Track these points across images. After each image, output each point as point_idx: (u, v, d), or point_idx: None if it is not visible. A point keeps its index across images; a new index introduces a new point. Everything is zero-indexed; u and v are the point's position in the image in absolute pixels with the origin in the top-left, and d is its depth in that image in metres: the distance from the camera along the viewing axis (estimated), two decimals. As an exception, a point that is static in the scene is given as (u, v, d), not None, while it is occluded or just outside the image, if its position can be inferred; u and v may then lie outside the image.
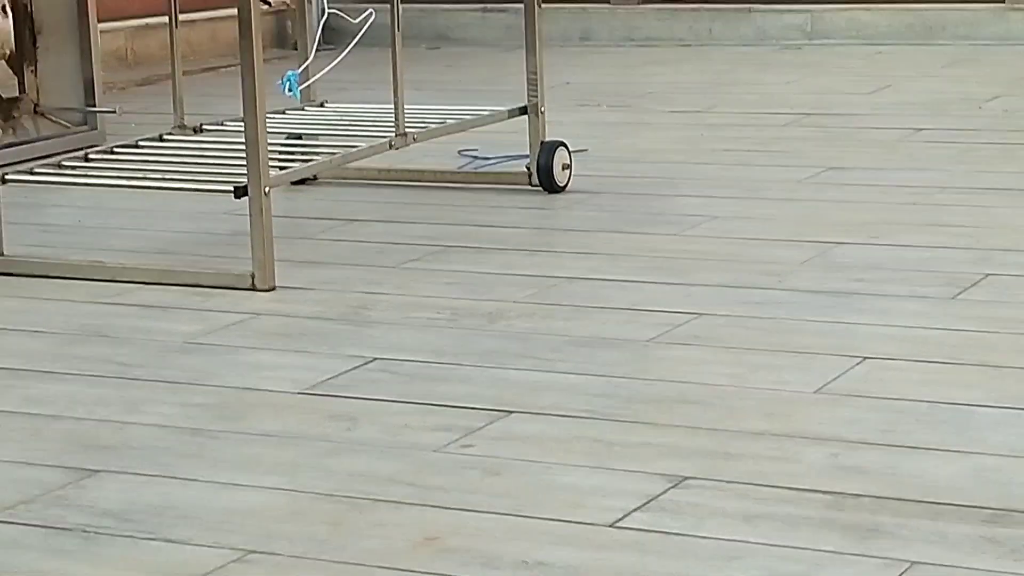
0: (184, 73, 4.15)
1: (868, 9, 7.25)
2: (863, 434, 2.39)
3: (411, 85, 6.07)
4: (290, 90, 3.63)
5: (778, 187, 4.24)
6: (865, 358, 2.75)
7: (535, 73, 4.23)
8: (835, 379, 2.65)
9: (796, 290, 3.22)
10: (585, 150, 4.71)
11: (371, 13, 3.97)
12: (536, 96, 4.24)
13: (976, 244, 3.52)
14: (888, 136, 4.91)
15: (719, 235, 3.73)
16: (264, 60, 3.34)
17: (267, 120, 3.35)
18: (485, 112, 4.25)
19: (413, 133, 3.92)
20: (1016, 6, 7.04)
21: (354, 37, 4.18)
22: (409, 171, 4.48)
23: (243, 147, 3.33)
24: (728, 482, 2.23)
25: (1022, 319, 2.96)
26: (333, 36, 7.21)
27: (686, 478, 2.25)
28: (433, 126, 4.05)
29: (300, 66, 4.00)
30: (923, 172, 4.34)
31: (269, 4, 7.68)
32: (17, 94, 5.10)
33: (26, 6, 5.09)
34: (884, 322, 2.97)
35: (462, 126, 4.17)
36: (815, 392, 2.59)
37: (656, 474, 2.26)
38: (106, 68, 6.53)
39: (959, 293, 3.14)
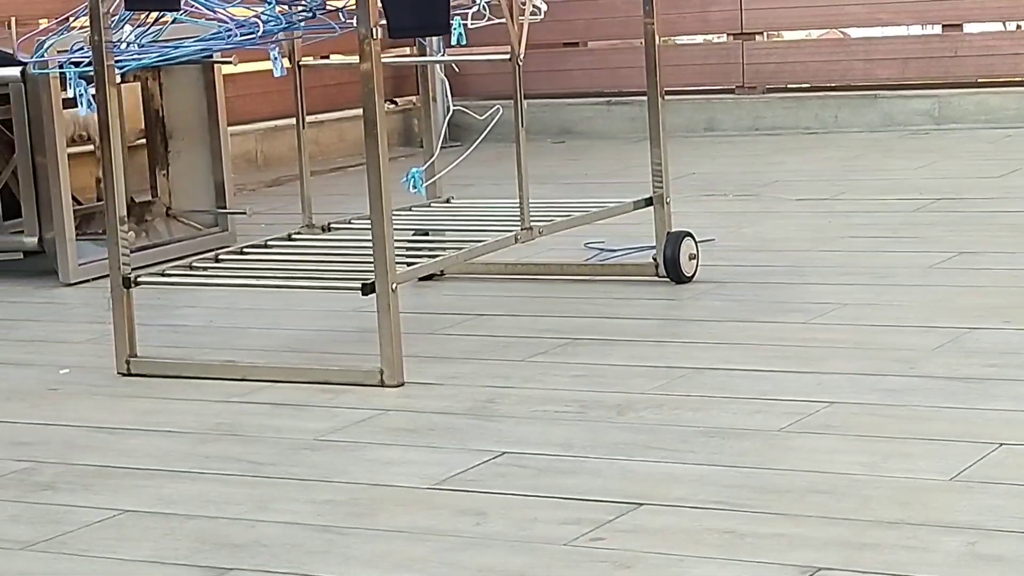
0: (312, 173, 4.20)
1: (996, 93, 7.19)
2: (1000, 522, 2.34)
3: (536, 179, 6.11)
4: (414, 187, 3.66)
5: (908, 273, 4.19)
6: (1001, 444, 2.70)
7: (660, 164, 4.24)
8: (970, 466, 2.60)
9: (929, 376, 3.18)
10: (712, 240, 4.69)
11: (497, 109, 4.00)
12: (661, 187, 4.24)
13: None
14: (1020, 219, 4.85)
15: (849, 322, 3.69)
16: (390, 158, 3.37)
17: (393, 217, 3.38)
18: (610, 204, 4.25)
19: (538, 227, 3.93)
20: None
21: (480, 133, 4.21)
22: (536, 265, 4.49)
23: (370, 244, 3.35)
24: (864, 572, 2.19)
25: None
26: (460, 133, 7.28)
27: (820, 568, 2.21)
28: (558, 219, 4.05)
29: (425, 163, 4.03)
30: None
31: (395, 103, 7.76)
32: (150, 198, 5.19)
33: (158, 111, 5.19)
34: (1020, 407, 2.92)
35: (587, 219, 4.17)
36: (950, 480, 2.55)
37: (790, 565, 2.23)
38: (237, 170, 6.64)
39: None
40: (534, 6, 3.78)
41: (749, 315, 3.84)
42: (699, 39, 8.05)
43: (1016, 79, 7.28)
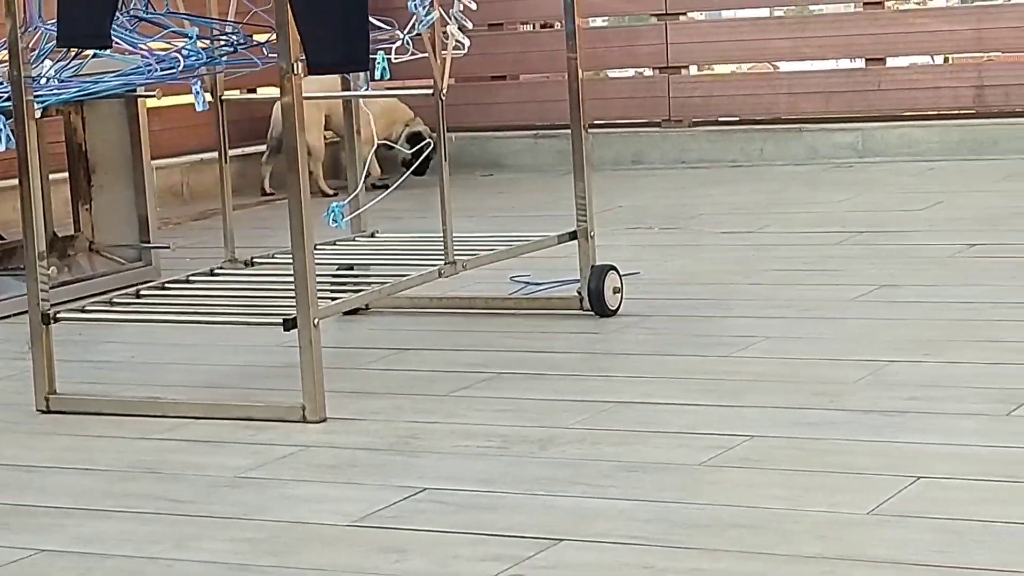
0: (239, 207, 4.19)
1: (919, 126, 7.26)
2: (918, 555, 2.35)
3: (464, 213, 6.13)
4: (335, 221, 3.65)
5: (830, 306, 4.22)
6: (919, 477, 2.72)
7: (584, 197, 4.25)
8: (889, 500, 2.62)
9: (849, 410, 3.19)
10: (637, 273, 4.71)
11: (429, 143, 3.99)
12: (585, 220, 4.25)
13: (1040, 360, 3.49)
14: (941, 252, 4.89)
15: (771, 356, 3.71)
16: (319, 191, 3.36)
17: (317, 251, 3.36)
18: (535, 238, 4.26)
19: (463, 261, 3.93)
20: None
21: (408, 167, 4.22)
22: (461, 299, 4.49)
23: (293, 279, 3.34)
24: (781, 608, 2.20)
25: (1079, 434, 2.93)
26: (388, 166, 7.28)
27: (738, 605, 2.22)
28: (483, 253, 4.06)
29: (348, 197, 4.03)
30: (976, 288, 4.32)
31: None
32: (73, 232, 5.15)
33: (81, 145, 5.16)
34: (938, 440, 2.94)
35: (512, 252, 4.17)
36: (869, 513, 2.56)
37: (707, 601, 2.23)
38: (163, 204, 6.61)
39: (1014, 409, 3.10)
40: (457, 41, 3.78)
41: (672, 348, 3.85)
42: (630, 72, 8.08)
43: (938, 112, 7.35)
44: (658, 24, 7.77)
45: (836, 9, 7.86)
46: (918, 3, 7.90)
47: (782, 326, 4.01)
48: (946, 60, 8.09)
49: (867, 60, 7.48)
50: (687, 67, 7.81)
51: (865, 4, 7.45)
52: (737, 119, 7.68)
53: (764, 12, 7.95)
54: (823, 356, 3.67)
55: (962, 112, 7.31)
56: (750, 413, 3.22)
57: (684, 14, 7.78)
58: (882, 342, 3.77)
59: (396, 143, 7.10)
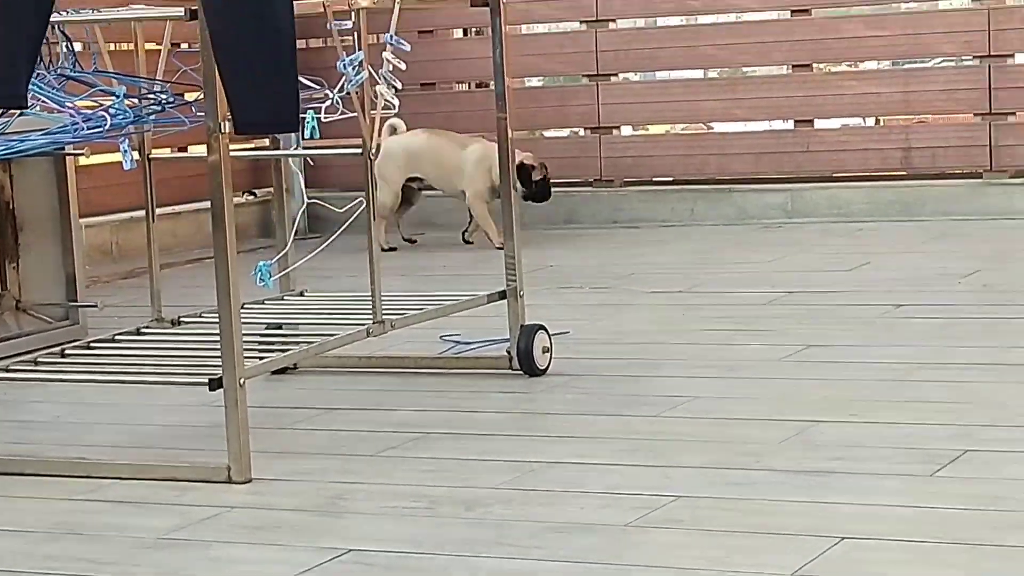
0: (169, 265, 4.18)
1: (848, 187, 7.32)
2: (841, 617, 2.36)
3: (396, 272, 6.13)
4: (261, 280, 3.64)
5: (759, 366, 4.23)
6: (843, 538, 2.72)
7: (513, 257, 4.25)
8: (813, 560, 2.62)
9: (775, 470, 3.20)
10: (567, 332, 4.72)
11: (360, 202, 4.00)
12: (515, 280, 4.26)
13: (955, 420, 3.51)
14: (869, 312, 4.92)
15: (699, 415, 3.72)
16: (249, 250, 3.36)
17: (246, 311, 3.35)
18: (464, 297, 4.26)
19: (391, 320, 3.93)
20: (993, 181, 7.10)
21: (341, 225, 4.22)
22: (390, 358, 4.48)
23: (219, 338, 3.33)
24: (703, 669, 2.19)
25: (1001, 496, 2.94)
26: (320, 225, 7.27)
27: (661, 666, 2.21)
28: (411, 313, 4.05)
29: (276, 256, 4.02)
30: (903, 348, 4.35)
31: (254, 195, 7.73)
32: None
33: (8, 203, 5.13)
34: (862, 501, 2.95)
35: (441, 312, 4.17)
36: (793, 574, 2.56)
37: (631, 663, 2.23)
38: (92, 262, 6.58)
39: (938, 470, 3.12)
40: (387, 100, 3.79)
41: (601, 408, 3.85)
42: (566, 132, 8.11)
43: (866, 174, 7.42)
44: (590, 85, 7.81)
45: (766, 71, 7.93)
46: (849, 65, 7.97)
47: (710, 386, 4.03)
48: (877, 122, 8.17)
49: (796, 122, 7.54)
50: (619, 127, 7.85)
51: (794, 67, 7.52)
52: (669, 179, 7.72)
53: (695, 74, 8.01)
54: (750, 416, 3.68)
55: (890, 174, 7.38)
56: (677, 473, 3.23)
57: (615, 75, 7.83)
58: (809, 402, 3.79)
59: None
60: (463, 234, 7.21)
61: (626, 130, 8.01)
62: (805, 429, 3.51)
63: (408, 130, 7.15)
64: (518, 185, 6.97)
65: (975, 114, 7.20)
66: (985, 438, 3.35)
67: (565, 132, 8.13)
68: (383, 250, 7.03)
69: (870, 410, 3.65)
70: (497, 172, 7.02)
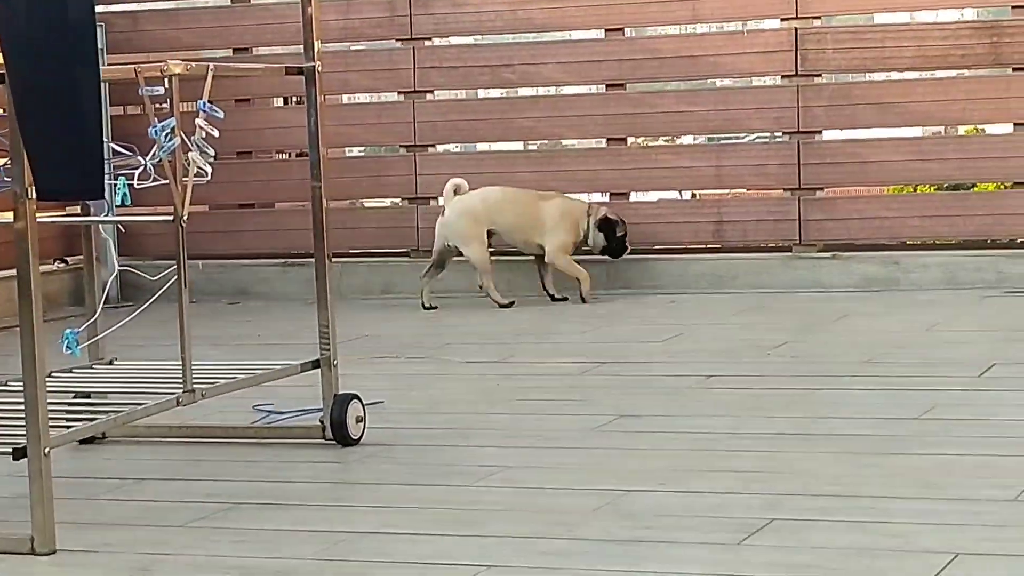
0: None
1: (662, 259, 7.41)
2: None
3: (209, 341, 6.06)
4: (68, 348, 3.58)
5: (571, 436, 4.26)
6: (652, 607, 2.74)
7: (327, 326, 4.24)
8: (622, 629, 2.63)
9: (587, 539, 3.22)
10: (381, 402, 4.70)
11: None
12: (328, 349, 4.24)
13: (763, 489, 3.55)
14: (680, 383, 4.98)
15: (511, 485, 3.72)
16: (61, 318, 3.31)
17: (53, 379, 3.29)
18: (277, 366, 4.23)
19: (202, 389, 3.88)
20: (802, 255, 7.24)
21: (154, 293, 4.16)
22: (201, 427, 4.43)
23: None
24: None
25: (807, 564, 2.98)
26: (134, 293, 7.19)
27: None
28: (223, 381, 4.01)
29: (84, 324, 3.96)
30: (713, 418, 4.40)
31: (66, 262, 7.62)
32: None
33: None
34: (671, 570, 2.97)
35: (253, 381, 4.14)
36: (602, 643, 2.58)
37: None
38: None
39: (745, 539, 3.16)
40: (199, 168, 3.76)
41: (414, 478, 3.84)
42: (387, 202, 8.11)
43: (680, 246, 7.52)
44: (407, 155, 7.83)
45: (583, 144, 8.01)
46: (666, 140, 8.10)
47: (523, 456, 4.04)
48: (694, 196, 8.30)
49: (611, 195, 7.63)
50: (436, 198, 7.87)
51: (610, 140, 7.61)
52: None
53: (514, 145, 8.07)
54: (562, 486, 3.69)
55: (703, 246, 7.49)
56: (488, 543, 3.23)
57: (433, 146, 7.86)
58: (620, 471, 3.82)
59: (587, 239, 7.10)
60: (548, 293, 7.17)
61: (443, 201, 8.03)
62: (617, 498, 3.53)
63: (471, 189, 7.12)
64: (600, 238, 7.05)
65: (785, 189, 7.34)
66: (792, 507, 3.39)
67: (385, 202, 8.13)
68: (501, 306, 7.00)
69: (680, 479, 3.69)
70: (583, 226, 7.10)
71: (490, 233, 7.10)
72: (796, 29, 7.22)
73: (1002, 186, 7.47)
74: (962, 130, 8.02)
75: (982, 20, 7.46)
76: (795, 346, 5.63)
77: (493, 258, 7.11)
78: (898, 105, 7.16)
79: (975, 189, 7.73)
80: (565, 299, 7.11)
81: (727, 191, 7.87)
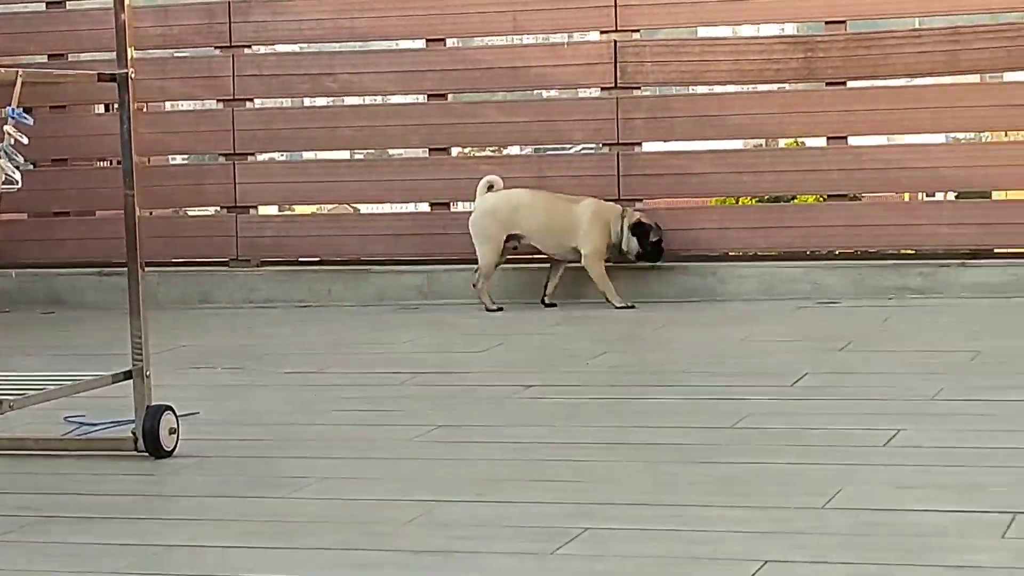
0: None
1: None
2: None
3: (22, 351, 5.96)
4: None
5: (388, 446, 4.25)
6: (463, 617, 2.74)
7: (140, 336, 4.18)
8: (433, 640, 2.63)
9: (401, 550, 3.21)
10: (196, 413, 4.65)
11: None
12: (141, 360, 4.18)
13: (577, 499, 3.57)
14: (499, 393, 4.99)
15: (326, 496, 3.70)
16: None
17: None
18: (88, 377, 4.16)
19: (9, 400, 3.81)
20: (621, 265, 7.28)
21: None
22: (10, 439, 4.34)
23: None
24: None
25: (617, 573, 3.00)
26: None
27: None
28: (32, 393, 3.94)
29: None
30: (529, 428, 4.42)
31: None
32: None
33: None
34: (484, 580, 2.98)
35: (63, 392, 4.07)
36: (412, 654, 2.57)
37: None
38: None
39: (558, 548, 3.17)
40: (7, 175, 3.69)
41: (227, 490, 3.80)
42: (211, 210, 8.02)
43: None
44: (227, 163, 7.76)
45: (404, 154, 8.01)
46: (493, 150, 8.12)
47: (339, 466, 4.02)
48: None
49: (433, 204, 7.63)
50: (256, 207, 7.82)
51: (432, 150, 7.61)
52: (306, 259, 7.72)
53: (340, 154, 8.05)
54: (378, 496, 3.68)
55: (526, 256, 7.51)
56: (302, 554, 3.20)
57: (253, 154, 7.80)
58: (437, 482, 3.81)
59: (621, 243, 6.93)
60: (543, 299, 7.07)
61: (267, 209, 7.98)
62: (432, 509, 3.52)
63: (505, 188, 7.02)
64: (634, 243, 6.89)
65: (606, 200, 7.38)
66: (604, 516, 3.42)
67: (210, 210, 8.05)
68: (489, 310, 6.89)
69: (495, 489, 3.70)
70: (616, 229, 6.94)
71: (518, 237, 7.01)
72: (616, 42, 7.29)
73: (819, 198, 7.60)
74: (783, 143, 8.16)
75: (797, 35, 7.58)
76: (613, 356, 5.67)
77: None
78: (716, 118, 7.26)
79: (795, 201, 7.85)
80: (554, 305, 7.03)
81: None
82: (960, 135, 8.42)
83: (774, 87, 7.35)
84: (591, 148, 7.89)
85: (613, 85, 7.31)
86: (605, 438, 4.25)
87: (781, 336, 6.07)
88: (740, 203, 8.96)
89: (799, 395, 4.76)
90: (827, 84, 7.15)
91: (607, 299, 6.92)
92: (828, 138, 7.22)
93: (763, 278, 7.08)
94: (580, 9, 7.33)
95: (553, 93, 7.98)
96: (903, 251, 7.09)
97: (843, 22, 7.11)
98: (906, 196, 7.82)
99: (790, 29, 8.02)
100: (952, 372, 5.00)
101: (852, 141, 7.18)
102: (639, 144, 7.38)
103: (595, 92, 7.45)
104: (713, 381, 5.08)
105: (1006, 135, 8.13)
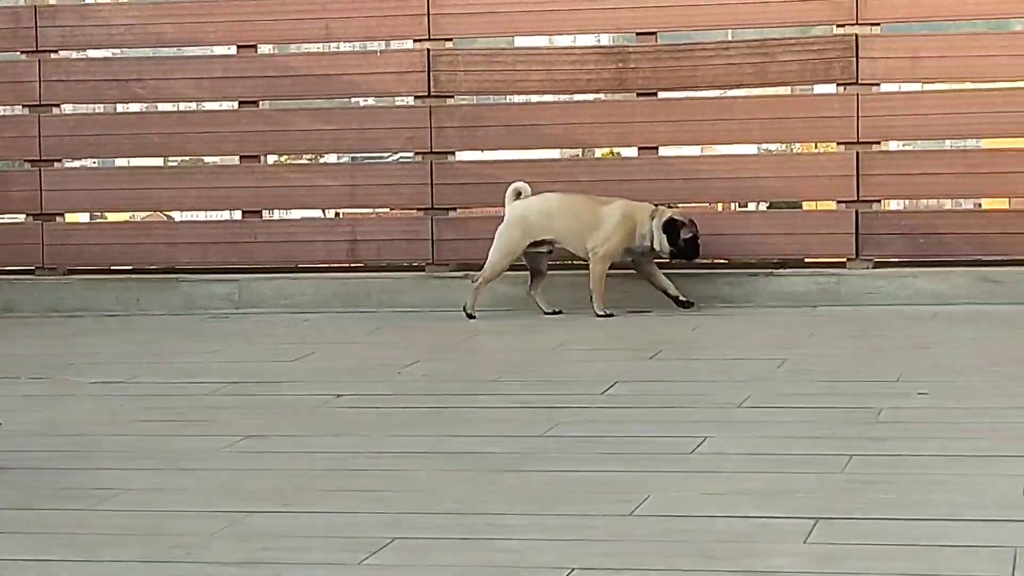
0: None
1: (295, 279, 7.37)
2: None
3: None
4: None
5: (196, 457, 4.19)
6: (268, 629, 2.71)
7: (-61, 347, 4.08)
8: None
9: (205, 562, 3.16)
10: (-1, 424, 4.55)
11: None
12: (-60, 370, 4.08)
13: (387, 508, 3.55)
14: (310, 403, 4.95)
15: (132, 508, 3.64)
16: None
17: None
18: None
19: None
20: (435, 274, 7.29)
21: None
22: None
23: None
24: None
25: (426, 581, 3.00)
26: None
27: None
28: None
29: None
30: (341, 438, 4.39)
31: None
32: None
33: None
34: (290, 591, 2.95)
35: None
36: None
37: None
38: None
39: (366, 558, 3.15)
40: None
41: (29, 501, 3.72)
42: (22, 217, 7.85)
43: (313, 265, 7.49)
44: (32, 170, 7.61)
45: (215, 161, 7.92)
46: (310, 158, 8.07)
47: (146, 478, 3.95)
48: (337, 215, 8.29)
49: (244, 212, 7.55)
50: (62, 214, 7.67)
51: (243, 157, 7.53)
52: (114, 267, 7.60)
53: (154, 161, 7.93)
54: (184, 508, 3.63)
55: (337, 265, 7.48)
56: (106, 568, 3.15)
57: (59, 160, 7.65)
58: (244, 493, 3.77)
59: (653, 243, 6.74)
60: (675, 299, 6.86)
61: (79, 217, 7.84)
62: (239, 520, 3.48)
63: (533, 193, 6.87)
64: (665, 241, 6.73)
65: (418, 209, 7.39)
66: (414, 525, 3.40)
67: (20, 217, 7.87)
68: (468, 316, 6.74)
69: (304, 500, 3.66)
70: (643, 232, 6.74)
71: (549, 243, 6.87)
72: (429, 50, 7.29)
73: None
74: (599, 153, 8.21)
75: (609, 46, 7.64)
76: (426, 365, 5.66)
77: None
78: (529, 128, 7.29)
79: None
80: (559, 312, 6.90)
81: (362, 210, 7.87)
82: (770, 146, 8.55)
83: (590, 97, 7.39)
84: (408, 157, 7.88)
85: (426, 94, 7.31)
86: (416, 447, 4.23)
87: (593, 344, 6.11)
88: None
89: (609, 403, 4.79)
90: (638, 95, 7.22)
91: (592, 302, 6.80)
92: (639, 148, 7.28)
93: (575, 286, 7.11)
94: (393, 17, 7.32)
95: (371, 101, 7.95)
96: (714, 260, 7.17)
97: (654, 33, 7.18)
98: (719, 206, 7.92)
99: (606, 40, 8.07)
100: (758, 380, 5.07)
101: (663, 151, 7.25)
102: (452, 153, 7.38)
103: (409, 100, 7.43)
104: (525, 389, 5.09)
105: (816, 147, 8.29)
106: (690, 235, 6.78)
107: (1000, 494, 3.52)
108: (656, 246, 6.77)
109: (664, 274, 6.87)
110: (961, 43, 6.97)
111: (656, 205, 6.84)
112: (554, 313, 6.85)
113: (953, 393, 4.76)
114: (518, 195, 6.89)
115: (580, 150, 8.25)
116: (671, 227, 6.75)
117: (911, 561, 3.05)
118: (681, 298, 6.85)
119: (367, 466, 4.03)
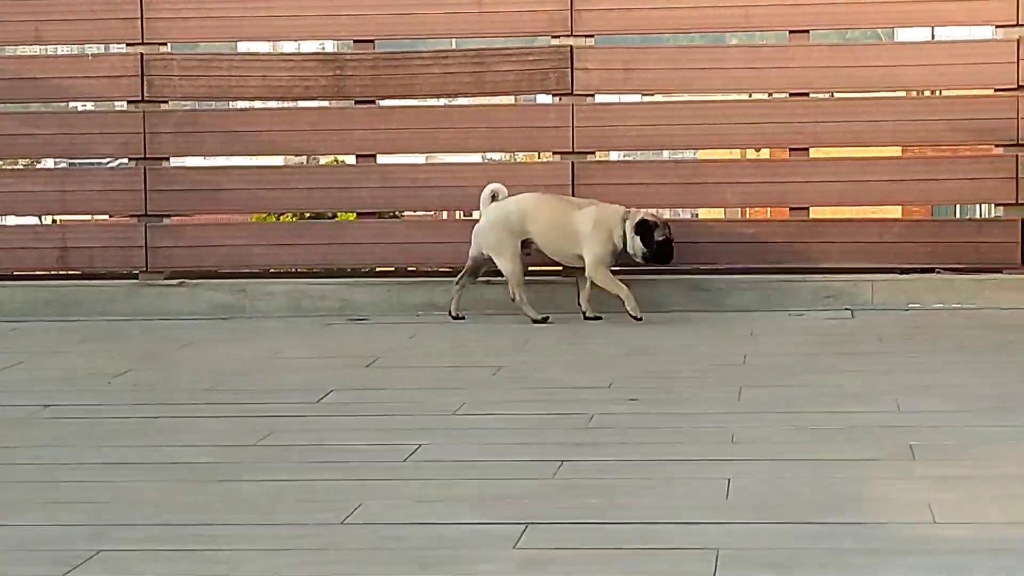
0: None
1: (4, 286, 7.18)
2: None
3: None
4: None
5: None
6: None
7: None
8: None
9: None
10: None
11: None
12: None
13: (93, 520, 3.48)
14: (17, 414, 4.82)
15: None
16: None
17: None
18: None
19: None
20: (149, 282, 7.17)
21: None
22: None
23: None
24: None
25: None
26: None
27: None
28: None
29: None
30: (47, 449, 4.28)
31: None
32: None
33: None
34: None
35: None
36: None
37: None
38: None
39: (69, 571, 3.08)
40: None
41: None
42: None
43: (22, 272, 7.31)
44: None
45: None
46: (27, 163, 7.88)
47: None
48: (54, 221, 8.11)
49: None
50: None
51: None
52: None
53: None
54: None
55: (47, 273, 7.31)
56: None
57: None
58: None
59: (627, 246, 6.51)
60: (583, 313, 6.66)
61: None
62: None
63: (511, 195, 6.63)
64: (638, 243, 6.48)
65: (131, 215, 7.25)
66: (122, 537, 3.34)
67: None
68: (535, 321, 6.53)
69: (8, 512, 3.56)
70: (619, 234, 6.50)
71: (529, 243, 6.66)
72: (142, 55, 7.17)
73: (351, 216, 7.63)
74: (323, 160, 8.16)
75: (326, 53, 7.61)
76: (138, 374, 5.56)
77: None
78: (246, 134, 7.22)
79: (340, 218, 7.85)
80: (599, 318, 6.65)
81: (73, 216, 7.71)
82: (493, 155, 8.60)
83: (312, 104, 7.33)
84: (125, 162, 7.74)
85: (140, 99, 7.18)
86: (127, 457, 4.15)
87: (309, 352, 6.08)
88: (281, 220, 8.96)
89: (324, 411, 4.77)
90: (357, 102, 7.20)
91: (624, 305, 6.57)
92: (358, 156, 7.27)
93: (292, 295, 7.07)
94: (105, 20, 7.18)
95: (91, 106, 7.77)
96: (439, 268, 7.19)
97: (371, 41, 7.17)
98: (444, 214, 7.94)
99: (330, 46, 8.04)
100: (473, 387, 5.10)
101: (382, 159, 7.25)
102: (167, 159, 7.27)
103: (122, 105, 7.30)
104: (240, 399, 5.03)
105: (539, 156, 8.37)
106: (663, 237, 6.60)
107: (705, 497, 3.60)
108: (629, 249, 6.62)
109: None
110: (674, 55, 7.11)
111: (628, 208, 6.69)
112: (543, 320, 6.66)
113: (662, 399, 4.86)
114: (494, 197, 6.79)
115: (304, 157, 8.21)
116: (643, 227, 6.57)
117: (617, 563, 3.10)
118: (589, 314, 6.74)
119: (75, 477, 3.94)
